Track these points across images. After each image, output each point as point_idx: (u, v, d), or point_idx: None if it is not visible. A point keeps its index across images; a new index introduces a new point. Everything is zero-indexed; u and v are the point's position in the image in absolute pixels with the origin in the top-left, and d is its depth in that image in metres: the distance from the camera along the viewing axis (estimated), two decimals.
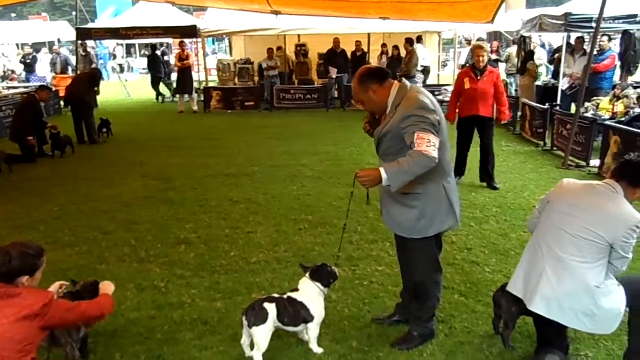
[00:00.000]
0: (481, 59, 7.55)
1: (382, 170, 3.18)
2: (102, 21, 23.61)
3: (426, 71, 17.90)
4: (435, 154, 3.11)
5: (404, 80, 3.56)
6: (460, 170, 7.88)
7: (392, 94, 3.44)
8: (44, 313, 2.74)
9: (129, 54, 34.26)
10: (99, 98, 13.20)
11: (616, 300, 3.13)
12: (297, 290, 3.67)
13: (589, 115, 10.10)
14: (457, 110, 7.84)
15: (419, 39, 17.57)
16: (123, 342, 3.81)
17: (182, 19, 17.98)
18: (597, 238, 3.08)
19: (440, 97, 14.07)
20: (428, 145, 3.11)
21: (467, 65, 18.29)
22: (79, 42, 18.08)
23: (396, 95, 3.43)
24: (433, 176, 3.38)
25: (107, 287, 3.39)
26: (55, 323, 2.89)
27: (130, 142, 11.68)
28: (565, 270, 3.13)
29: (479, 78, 7.50)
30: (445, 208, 3.50)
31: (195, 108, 16.22)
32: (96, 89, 12.30)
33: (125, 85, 21.34)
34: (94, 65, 18.54)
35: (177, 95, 16.91)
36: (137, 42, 28.94)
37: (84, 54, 18.55)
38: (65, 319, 2.94)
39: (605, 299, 3.10)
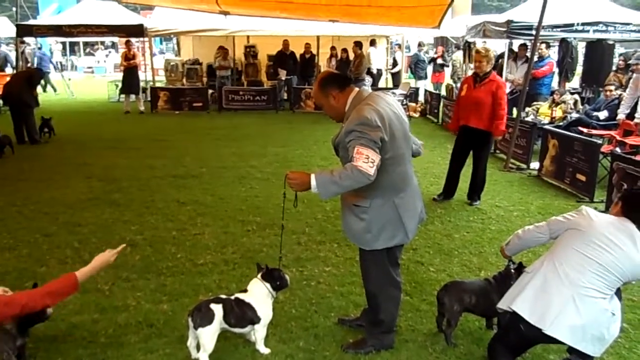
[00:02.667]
0: (477, 64, 6.86)
1: (312, 176, 3.14)
2: (44, 18, 22.89)
3: (379, 74, 18.23)
4: (371, 171, 3.06)
5: (363, 87, 3.57)
6: (448, 189, 7.31)
7: (349, 102, 3.40)
8: None
9: (72, 52, 33.39)
10: (41, 97, 12.80)
11: (619, 326, 3.28)
12: (245, 291, 3.67)
13: (529, 119, 10.48)
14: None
15: (372, 42, 17.85)
16: (65, 347, 3.72)
17: (129, 18, 17.63)
18: (622, 276, 3.17)
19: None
20: (365, 161, 3.06)
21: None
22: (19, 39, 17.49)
23: (351, 103, 3.39)
24: (381, 191, 3.37)
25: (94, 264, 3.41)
26: None
27: (74, 142, 11.37)
28: (587, 297, 3.14)
29: (475, 86, 6.88)
30: (393, 224, 3.45)
31: (142, 108, 15.92)
32: (35, 89, 11.85)
33: (68, 84, 20.78)
34: (29, 65, 18.02)
35: (123, 95, 16.57)
36: (80, 40, 28.17)
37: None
38: (3, 314, 2.88)
39: (615, 325, 3.22)
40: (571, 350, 3.36)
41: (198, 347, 3.45)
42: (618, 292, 3.33)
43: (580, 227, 3.31)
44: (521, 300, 3.27)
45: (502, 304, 3.43)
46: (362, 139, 3.12)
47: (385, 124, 3.25)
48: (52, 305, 3.33)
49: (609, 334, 3.22)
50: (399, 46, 20.76)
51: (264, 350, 3.64)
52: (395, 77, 19.65)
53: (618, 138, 9.01)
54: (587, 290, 3.15)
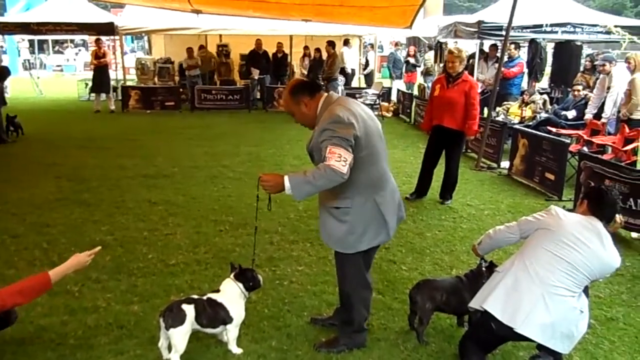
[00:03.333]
0: (450, 65, 6.90)
1: (286, 178, 3.14)
2: (12, 15, 22.42)
3: (352, 74, 18.27)
4: (344, 169, 3.07)
5: (331, 92, 3.57)
6: (421, 188, 7.37)
7: (319, 106, 3.41)
8: None
9: (41, 50, 32.79)
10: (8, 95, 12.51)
11: (587, 322, 3.36)
12: (218, 291, 3.65)
13: (499, 119, 10.62)
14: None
15: (346, 42, 17.89)
16: (33, 349, 3.65)
17: (99, 15, 17.37)
18: (590, 274, 3.25)
19: (360, 100, 14.22)
20: (338, 160, 3.07)
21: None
22: None
23: (321, 107, 3.40)
24: (361, 190, 3.38)
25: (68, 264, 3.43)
26: None
27: (43, 141, 11.15)
28: (556, 296, 3.21)
29: (449, 86, 6.95)
30: (376, 223, 3.47)
31: (113, 107, 15.69)
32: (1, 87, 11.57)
33: (37, 83, 20.39)
34: None
35: (93, 94, 16.33)
36: (49, 37, 27.68)
37: None
38: None
39: (583, 322, 3.30)
40: (540, 347, 3.42)
41: (169, 348, 3.42)
42: (585, 290, 3.40)
43: (549, 227, 3.37)
44: (493, 300, 3.32)
45: (474, 303, 3.48)
46: (334, 138, 3.13)
47: (358, 121, 3.27)
48: (23, 303, 3.33)
49: (578, 331, 3.29)
50: (372, 46, 20.86)
51: (236, 350, 3.62)
52: (368, 77, 19.73)
53: (585, 137, 9.18)
54: (557, 288, 3.21)
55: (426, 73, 18.24)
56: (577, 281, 3.24)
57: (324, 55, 16.77)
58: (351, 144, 3.17)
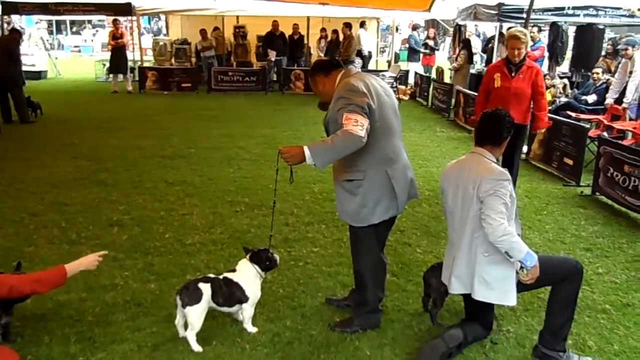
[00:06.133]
0: (516, 52, 5.90)
1: (305, 147, 3.16)
2: None
3: (369, 56, 18.11)
4: (361, 132, 3.12)
5: (350, 66, 3.62)
6: None
7: (337, 82, 3.50)
8: None
9: (59, 30, 32.95)
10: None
11: (506, 269, 3.27)
12: (234, 270, 3.69)
13: None
14: None
15: (362, 24, 17.73)
16: (52, 325, 3.71)
17: None
18: (475, 203, 3.22)
19: None
20: (354, 124, 3.12)
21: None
22: (4, 16, 17.20)
23: (338, 82, 3.49)
24: (374, 162, 3.43)
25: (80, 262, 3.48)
26: None
27: (61, 122, 11.25)
28: (463, 245, 3.32)
29: (513, 75, 5.97)
30: (388, 196, 3.50)
31: (130, 88, 15.79)
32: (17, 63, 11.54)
33: (55, 64, 20.51)
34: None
35: (111, 75, 16.42)
36: (67, 18, 27.78)
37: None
38: None
39: (496, 267, 3.26)
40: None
41: (186, 326, 3.46)
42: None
43: (444, 189, 3.50)
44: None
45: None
46: (349, 105, 3.21)
47: (372, 93, 3.35)
48: (40, 293, 3.37)
49: (489, 277, 3.28)
50: (392, 29, 20.62)
51: (252, 329, 3.66)
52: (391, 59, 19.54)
53: (605, 122, 9.06)
54: (462, 240, 3.33)
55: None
56: (474, 223, 3.24)
57: (341, 37, 16.66)
58: (366, 111, 3.23)
